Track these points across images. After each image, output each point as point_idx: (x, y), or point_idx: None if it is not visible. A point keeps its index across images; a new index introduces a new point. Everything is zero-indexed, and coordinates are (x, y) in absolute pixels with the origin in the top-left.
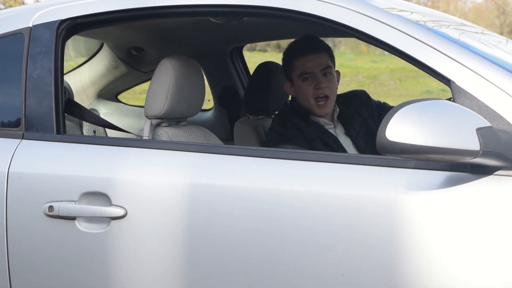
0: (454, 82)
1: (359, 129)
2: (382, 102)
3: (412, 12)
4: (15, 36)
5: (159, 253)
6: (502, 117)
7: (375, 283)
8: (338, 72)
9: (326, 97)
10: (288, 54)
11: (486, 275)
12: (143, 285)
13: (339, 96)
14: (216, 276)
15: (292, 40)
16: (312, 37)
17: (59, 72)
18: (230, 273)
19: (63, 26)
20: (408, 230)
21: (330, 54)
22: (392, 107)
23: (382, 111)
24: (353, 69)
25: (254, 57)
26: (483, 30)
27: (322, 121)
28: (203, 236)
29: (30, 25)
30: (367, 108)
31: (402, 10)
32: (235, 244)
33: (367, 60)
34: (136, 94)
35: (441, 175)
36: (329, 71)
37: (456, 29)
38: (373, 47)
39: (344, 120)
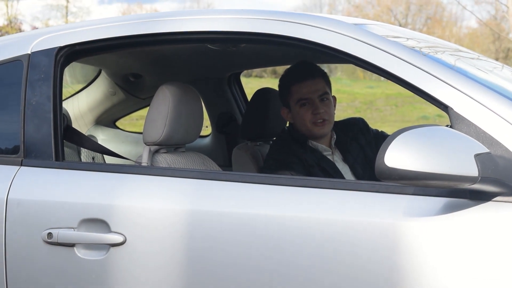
0: (452, 108)
1: (356, 156)
2: (380, 130)
3: (407, 39)
4: (14, 63)
5: (159, 280)
6: (500, 143)
7: None
8: (334, 98)
9: (324, 120)
10: (284, 80)
11: None
12: None
13: (337, 123)
14: None
15: (289, 66)
16: (309, 63)
17: (57, 98)
18: None
19: (61, 53)
20: (407, 256)
21: (327, 80)
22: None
23: (380, 139)
24: (349, 95)
25: (251, 83)
26: (478, 56)
27: (320, 147)
28: (202, 263)
29: (29, 52)
30: (364, 136)
31: (397, 37)
32: (234, 271)
33: (363, 86)
34: (133, 120)
35: (440, 201)
36: (326, 97)
37: (451, 54)
38: (369, 73)
39: (342, 146)
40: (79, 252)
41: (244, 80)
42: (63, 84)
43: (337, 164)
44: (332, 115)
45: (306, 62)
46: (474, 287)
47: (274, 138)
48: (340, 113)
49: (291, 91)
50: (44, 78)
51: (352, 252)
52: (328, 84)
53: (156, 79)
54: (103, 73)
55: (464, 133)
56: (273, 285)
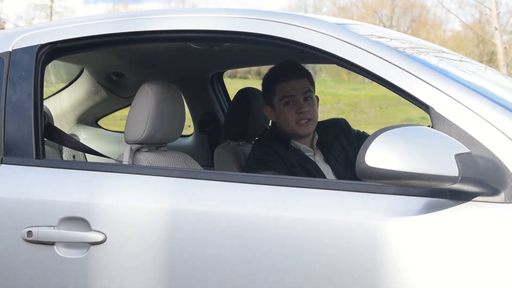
0: (432, 108)
1: (338, 156)
2: (361, 131)
3: (391, 39)
4: None
5: (139, 279)
6: (481, 143)
7: None
8: (317, 97)
9: (308, 120)
10: (268, 79)
11: None
12: None
13: (319, 123)
14: None
15: (272, 65)
16: (293, 63)
17: (38, 96)
18: None
19: (43, 50)
20: (387, 256)
21: (311, 79)
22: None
23: (361, 140)
24: (333, 97)
25: (235, 84)
26: (461, 57)
27: (303, 147)
28: (183, 262)
29: (10, 50)
30: (346, 137)
31: (381, 37)
32: (214, 270)
33: (347, 88)
34: (117, 121)
35: (420, 201)
36: (310, 96)
37: (435, 56)
38: (353, 74)
39: (324, 147)
40: (59, 251)
41: (228, 81)
42: (46, 83)
43: (319, 165)
44: (316, 114)
45: (291, 62)
46: (454, 286)
47: (257, 138)
48: (325, 115)
49: (275, 90)
50: (25, 75)
51: (332, 251)
52: (312, 83)
53: (138, 78)
54: (85, 72)
55: (445, 133)
56: (253, 284)
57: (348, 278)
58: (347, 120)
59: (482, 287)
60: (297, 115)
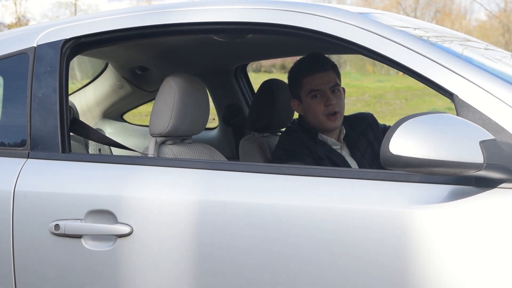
0: (457, 96)
1: (364, 151)
2: (387, 125)
3: (415, 28)
4: (20, 56)
5: (165, 271)
6: (505, 130)
7: None
8: (343, 89)
9: (336, 113)
10: (295, 72)
11: (490, 284)
12: None
13: (346, 117)
14: None
15: (297, 58)
16: (319, 55)
17: (63, 91)
18: None
19: (67, 45)
20: (412, 244)
21: (337, 71)
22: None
23: None
24: (359, 89)
25: (260, 78)
26: (487, 45)
27: (330, 140)
28: (209, 253)
29: (35, 45)
30: (373, 131)
31: (405, 27)
32: (242, 261)
33: (372, 80)
34: (143, 116)
35: (445, 188)
36: (337, 88)
37: (460, 44)
38: (378, 66)
39: (350, 142)
40: (86, 244)
41: (253, 75)
42: (71, 78)
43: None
44: (343, 107)
45: (317, 54)
46: (481, 274)
47: (283, 129)
48: (350, 107)
49: (302, 83)
50: (50, 70)
51: (358, 241)
52: (339, 76)
53: (162, 72)
54: (110, 67)
55: (469, 120)
56: (280, 275)
57: (375, 268)
58: (373, 113)
59: (509, 273)
60: (325, 108)
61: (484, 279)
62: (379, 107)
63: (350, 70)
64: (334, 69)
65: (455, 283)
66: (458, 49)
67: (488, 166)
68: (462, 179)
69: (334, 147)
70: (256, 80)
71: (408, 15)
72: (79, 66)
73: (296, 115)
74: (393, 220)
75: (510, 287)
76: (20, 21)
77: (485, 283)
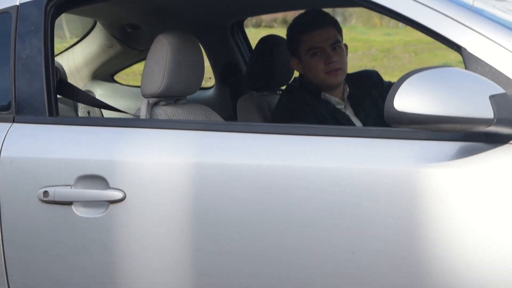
0: (465, 48)
1: (368, 111)
2: (393, 82)
3: None
4: (2, 15)
5: (161, 237)
6: None
7: (387, 260)
8: (346, 46)
9: (337, 69)
10: (293, 30)
11: (502, 244)
12: (143, 268)
13: (349, 75)
14: (219, 258)
15: (296, 12)
16: (319, 11)
17: (49, 51)
18: (233, 255)
19: (51, 3)
20: (420, 203)
21: (338, 27)
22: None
23: None
24: (365, 43)
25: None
26: None
27: (333, 99)
28: (205, 217)
29: (17, 3)
30: (378, 89)
31: None
32: (238, 224)
33: (380, 33)
34: (136, 75)
35: (454, 145)
36: (338, 45)
37: None
38: (386, 19)
39: (354, 101)
40: (77, 210)
41: (252, 31)
42: (58, 38)
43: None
44: (346, 63)
45: (316, 10)
46: (491, 231)
47: (284, 88)
48: (356, 62)
49: (301, 41)
50: (34, 30)
51: (364, 201)
52: (340, 32)
53: (154, 30)
54: (98, 25)
55: (479, 73)
56: (281, 238)
57: (381, 230)
58: (381, 68)
59: None
60: (326, 66)
61: (493, 236)
62: (386, 61)
63: (356, 24)
64: (335, 25)
65: (463, 243)
66: (468, 0)
67: (498, 121)
68: (471, 136)
69: (338, 106)
70: (257, 35)
71: None
72: (66, 25)
73: (297, 73)
74: (399, 180)
75: None
76: None
77: (493, 241)
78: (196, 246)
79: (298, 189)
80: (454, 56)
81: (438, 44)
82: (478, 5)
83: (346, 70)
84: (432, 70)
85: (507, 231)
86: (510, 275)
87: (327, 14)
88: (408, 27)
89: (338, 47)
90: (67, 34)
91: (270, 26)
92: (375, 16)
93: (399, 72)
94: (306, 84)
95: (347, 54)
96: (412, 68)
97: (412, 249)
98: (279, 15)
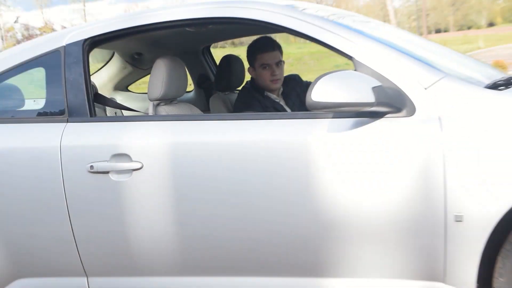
0: (354, 57)
1: (294, 101)
2: (309, 81)
3: (317, 10)
4: (54, 52)
5: (171, 195)
6: (387, 79)
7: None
8: (283, 62)
9: (278, 80)
10: (252, 49)
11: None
12: (158, 217)
13: None
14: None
15: (243, 38)
16: (269, 38)
17: (87, 74)
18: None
19: (87, 43)
20: (324, 154)
21: (281, 50)
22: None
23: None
24: (285, 54)
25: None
26: (370, 20)
27: (272, 96)
28: (194, 183)
29: (64, 44)
30: (300, 87)
31: (317, 9)
32: (211, 186)
33: (294, 48)
34: (143, 85)
35: (350, 121)
36: (280, 63)
37: (353, 21)
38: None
39: (285, 95)
40: (112, 177)
41: (212, 50)
42: (91, 64)
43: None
44: (283, 75)
45: (267, 37)
46: (368, 184)
47: (239, 89)
48: None
49: (257, 58)
50: (76, 61)
51: (290, 162)
52: (281, 53)
53: (153, 55)
54: (116, 54)
55: (364, 73)
56: (242, 193)
57: (285, 190)
58: (296, 72)
59: (390, 184)
60: (271, 76)
61: (371, 190)
62: (299, 66)
63: (278, 41)
64: (279, 48)
65: (346, 192)
66: (349, 22)
67: (378, 103)
68: (361, 114)
69: (275, 100)
70: (215, 53)
71: (317, 3)
72: (95, 56)
73: (247, 77)
74: (313, 145)
75: (388, 196)
76: (47, 25)
77: (369, 194)
78: (198, 198)
79: (249, 156)
80: (342, 60)
81: (331, 52)
82: (356, 26)
83: (283, 79)
84: (336, 73)
85: (377, 183)
86: (369, 223)
87: (274, 41)
88: (312, 42)
89: (280, 64)
90: (95, 61)
91: (223, 47)
92: (290, 36)
93: (307, 73)
94: (255, 86)
95: (283, 68)
96: (316, 70)
97: (310, 197)
98: (230, 40)
